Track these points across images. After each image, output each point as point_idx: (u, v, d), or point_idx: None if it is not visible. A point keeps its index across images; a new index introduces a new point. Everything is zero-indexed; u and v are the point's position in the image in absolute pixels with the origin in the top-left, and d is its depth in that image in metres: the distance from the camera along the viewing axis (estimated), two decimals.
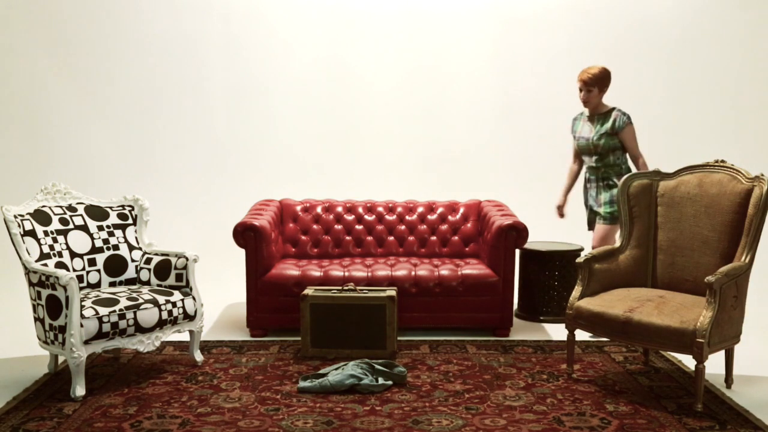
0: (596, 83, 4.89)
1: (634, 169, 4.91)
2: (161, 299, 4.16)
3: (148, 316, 4.07)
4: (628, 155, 4.95)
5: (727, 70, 6.87)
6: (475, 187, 6.37)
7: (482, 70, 6.89)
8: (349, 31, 6.88)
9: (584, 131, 5.03)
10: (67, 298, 3.82)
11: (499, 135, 6.95)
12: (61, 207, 4.39)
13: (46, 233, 4.19)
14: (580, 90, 4.94)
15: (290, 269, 5.06)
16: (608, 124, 4.90)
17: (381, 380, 4.01)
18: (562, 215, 5.35)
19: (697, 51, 6.87)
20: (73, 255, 4.27)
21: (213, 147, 6.98)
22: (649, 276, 4.35)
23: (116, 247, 4.47)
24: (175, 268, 4.38)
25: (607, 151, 4.92)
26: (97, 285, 4.36)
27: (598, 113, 4.98)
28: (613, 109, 4.93)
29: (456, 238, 5.60)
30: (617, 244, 4.39)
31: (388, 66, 6.92)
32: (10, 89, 6.81)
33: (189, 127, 6.95)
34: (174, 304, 4.20)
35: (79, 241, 4.33)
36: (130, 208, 4.63)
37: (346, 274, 4.99)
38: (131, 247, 4.52)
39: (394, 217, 5.70)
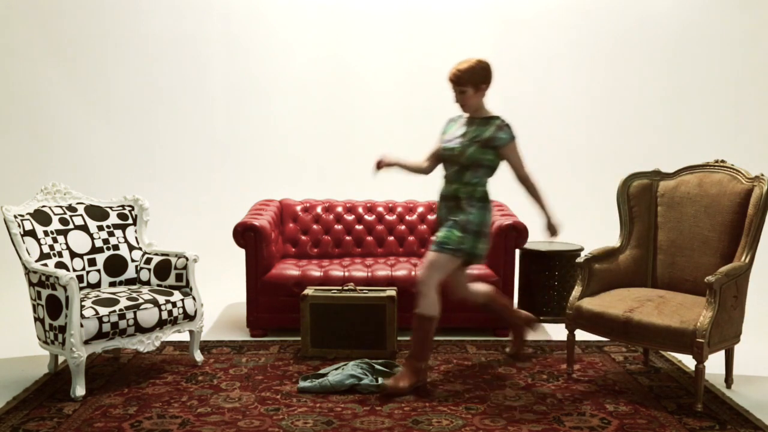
0: (468, 81, 3.99)
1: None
2: (161, 299, 4.15)
3: (148, 316, 4.07)
4: (514, 174, 4.11)
5: (727, 70, 6.86)
6: None
7: None
8: (349, 31, 6.88)
9: (455, 135, 4.10)
10: (67, 298, 3.82)
11: None
12: (61, 207, 4.39)
13: (46, 233, 4.19)
14: (453, 91, 4.08)
15: (290, 269, 5.06)
16: (486, 133, 4.00)
17: (381, 380, 4.01)
18: (380, 167, 4.34)
19: (697, 51, 6.87)
20: (73, 255, 4.27)
21: (213, 147, 6.98)
22: (649, 276, 4.34)
23: (116, 247, 4.47)
24: (175, 268, 4.38)
25: (470, 165, 4.00)
26: (97, 285, 4.36)
27: (478, 117, 4.09)
28: (497, 117, 4.06)
29: None
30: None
31: (388, 66, 6.91)
32: (10, 89, 6.81)
33: (189, 127, 6.95)
34: (174, 304, 4.20)
35: (79, 241, 4.33)
36: (130, 208, 4.63)
37: (346, 274, 4.99)
38: (131, 247, 4.52)
39: (394, 217, 5.70)
